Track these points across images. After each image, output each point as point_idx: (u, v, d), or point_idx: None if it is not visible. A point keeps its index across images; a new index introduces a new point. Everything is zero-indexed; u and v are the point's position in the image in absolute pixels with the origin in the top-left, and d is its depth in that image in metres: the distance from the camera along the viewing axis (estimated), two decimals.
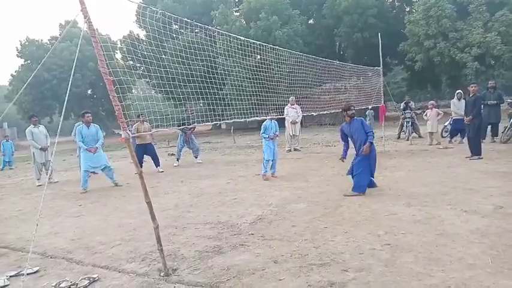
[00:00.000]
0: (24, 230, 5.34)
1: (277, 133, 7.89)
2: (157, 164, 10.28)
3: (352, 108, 6.14)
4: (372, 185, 6.09)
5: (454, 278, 2.93)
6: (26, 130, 9.66)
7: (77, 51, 3.96)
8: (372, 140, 5.86)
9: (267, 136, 7.76)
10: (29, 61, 39.16)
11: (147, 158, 10.26)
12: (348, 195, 5.78)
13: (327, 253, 3.62)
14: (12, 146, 16.32)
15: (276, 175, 7.96)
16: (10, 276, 3.65)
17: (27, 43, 39.60)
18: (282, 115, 11.47)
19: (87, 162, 8.12)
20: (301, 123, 13.51)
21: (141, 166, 10.13)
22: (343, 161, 6.33)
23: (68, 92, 3.08)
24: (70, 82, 3.61)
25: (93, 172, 8.97)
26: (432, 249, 3.51)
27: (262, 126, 7.93)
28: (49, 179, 9.30)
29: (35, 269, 3.77)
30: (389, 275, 3.06)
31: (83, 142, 8.11)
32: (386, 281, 2.97)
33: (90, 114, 8.39)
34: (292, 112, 11.99)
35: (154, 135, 11.06)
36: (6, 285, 3.49)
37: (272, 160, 7.88)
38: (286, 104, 11.74)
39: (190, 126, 10.26)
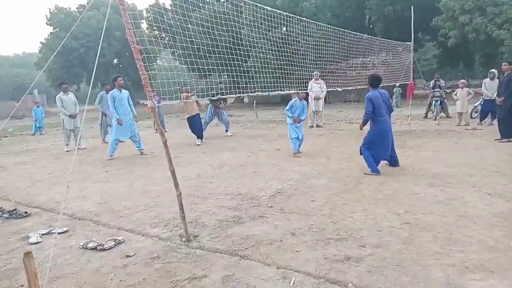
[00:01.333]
0: (55, 192, 5.63)
1: (303, 117, 7.60)
2: (200, 136, 10.18)
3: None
4: (393, 163, 6.10)
5: (472, 259, 2.91)
6: (56, 97, 9.95)
7: (105, 20, 4.01)
8: (362, 122, 5.94)
9: (291, 116, 7.49)
10: (57, 29, 39.81)
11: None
12: (367, 174, 5.73)
13: (345, 228, 3.65)
14: (43, 112, 16.95)
15: (301, 152, 7.77)
16: (42, 234, 3.89)
17: (56, 11, 40.16)
18: (306, 90, 11.31)
19: (118, 130, 8.27)
20: (325, 99, 13.30)
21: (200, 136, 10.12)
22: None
23: (96, 61, 3.14)
24: (99, 51, 3.67)
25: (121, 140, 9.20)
26: (452, 230, 3.48)
27: (289, 104, 7.63)
28: (78, 145, 9.65)
29: (65, 229, 4.00)
30: (407, 253, 3.07)
31: (115, 108, 8.15)
32: (404, 258, 2.98)
33: (121, 78, 8.57)
34: (316, 87, 11.78)
35: (177, 107, 11.07)
36: (39, 242, 3.72)
37: (299, 139, 7.68)
38: (311, 79, 11.53)
39: (224, 96, 10.21)
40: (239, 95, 6.17)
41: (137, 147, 8.72)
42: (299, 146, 7.75)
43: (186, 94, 9.38)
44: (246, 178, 5.96)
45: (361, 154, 5.92)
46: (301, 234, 3.56)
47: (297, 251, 3.21)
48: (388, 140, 5.81)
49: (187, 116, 9.96)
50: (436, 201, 4.32)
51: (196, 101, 9.92)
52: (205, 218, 4.15)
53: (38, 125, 16.43)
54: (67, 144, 10.09)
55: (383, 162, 6.09)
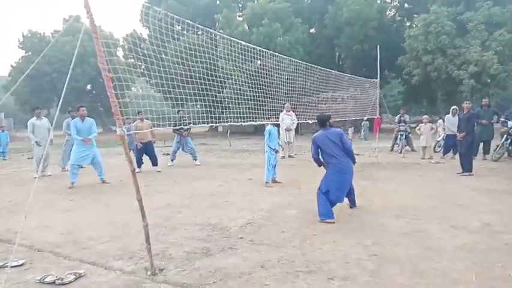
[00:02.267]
0: (14, 221, 5.31)
1: (277, 147, 7.91)
2: (154, 163, 10.24)
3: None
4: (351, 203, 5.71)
5: None
6: (28, 122, 9.69)
7: (77, 45, 3.99)
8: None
9: (273, 148, 7.69)
10: (30, 53, 38.98)
11: (145, 157, 10.24)
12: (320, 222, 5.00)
13: (314, 261, 3.65)
14: (7, 137, 16.24)
15: (280, 182, 7.87)
16: None
17: (29, 35, 39.45)
18: (278, 121, 11.52)
19: (77, 155, 8.05)
20: (296, 131, 13.58)
21: (141, 165, 10.12)
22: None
23: (65, 85, 3.10)
24: (69, 75, 3.63)
25: (80, 166, 8.83)
26: (418, 262, 3.55)
27: (266, 131, 7.78)
28: (42, 171, 9.29)
29: (21, 261, 3.76)
30: (374, 286, 3.09)
31: (77, 135, 8.07)
32: None
33: (85, 108, 8.37)
34: (288, 119, 12.06)
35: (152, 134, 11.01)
36: None
37: (275, 165, 7.81)
38: (282, 111, 11.79)
39: (186, 127, 10.26)
40: (212, 124, 6.19)
41: (98, 174, 8.49)
42: (274, 172, 7.84)
43: (136, 122, 9.58)
44: (216, 208, 5.88)
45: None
46: (270, 267, 3.52)
47: (266, 285, 3.16)
48: (343, 181, 5.17)
49: (139, 141, 9.94)
50: (403, 233, 4.42)
51: (151, 131, 9.91)
52: (172, 250, 4.04)
53: (1, 150, 15.71)
54: (37, 171, 9.65)
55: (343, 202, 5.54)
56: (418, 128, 11.89)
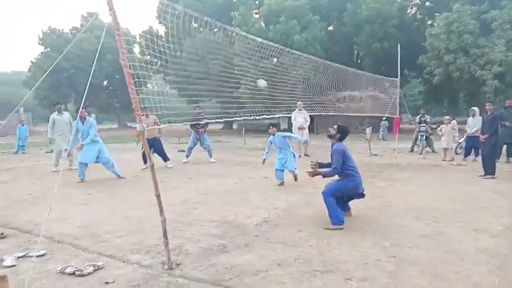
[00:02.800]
0: (33, 213, 5.44)
1: (304, 140, 7.50)
2: (165, 159, 10.28)
3: (333, 127, 5.19)
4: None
5: None
6: (50, 116, 9.96)
7: (100, 43, 4.04)
8: (326, 175, 4.95)
9: (267, 152, 7.72)
10: (49, 49, 39.85)
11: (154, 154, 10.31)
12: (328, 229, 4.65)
13: (331, 261, 3.60)
14: (27, 131, 16.62)
15: (296, 175, 7.64)
16: (18, 257, 3.72)
17: (48, 32, 40.34)
18: (289, 114, 11.40)
19: (81, 153, 8.15)
20: (312, 130, 13.47)
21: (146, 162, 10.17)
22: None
23: (88, 82, 3.14)
24: (92, 73, 3.68)
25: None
26: (438, 265, 3.46)
27: (268, 141, 7.76)
28: (70, 165, 9.56)
29: (42, 252, 3.83)
30: (393, 287, 3.02)
31: (77, 134, 8.15)
32: None
33: (84, 110, 8.43)
34: (300, 118, 11.97)
35: (166, 131, 11.14)
36: (14, 265, 3.56)
37: (290, 169, 7.57)
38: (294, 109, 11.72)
39: (202, 122, 10.28)
40: (227, 119, 6.19)
41: (112, 171, 8.54)
42: (295, 169, 7.64)
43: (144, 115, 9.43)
44: (232, 205, 5.88)
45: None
46: (287, 265, 3.49)
47: (282, 283, 3.13)
48: (356, 195, 5.07)
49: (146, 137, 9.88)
50: (422, 235, 4.31)
51: (158, 127, 9.92)
52: (189, 246, 4.05)
53: (21, 144, 16.04)
54: (56, 165, 9.92)
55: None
56: (439, 129, 11.64)
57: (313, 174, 5.06)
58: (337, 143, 5.03)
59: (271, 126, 7.61)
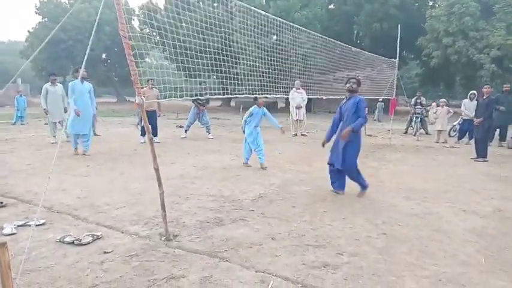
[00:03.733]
0: (33, 183, 5.50)
1: (279, 127, 7.18)
2: (154, 133, 10.07)
3: (352, 81, 5.17)
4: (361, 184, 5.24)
5: (445, 272, 3.01)
6: (43, 87, 9.74)
7: (97, 15, 3.97)
8: (357, 127, 4.97)
9: (247, 124, 7.02)
10: (46, 19, 38.91)
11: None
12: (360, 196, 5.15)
13: (324, 236, 3.71)
14: (25, 102, 16.51)
15: (266, 165, 7.03)
16: (18, 226, 3.79)
17: (45, 1, 39.27)
18: (287, 95, 11.41)
19: (75, 123, 7.86)
20: (309, 109, 13.50)
21: (145, 134, 10.14)
22: (323, 146, 5.52)
23: (86, 54, 3.11)
24: (89, 45, 3.64)
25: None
26: (427, 243, 3.59)
27: (249, 111, 7.10)
28: (67, 137, 9.53)
29: (42, 221, 3.91)
30: (383, 263, 3.15)
31: (72, 98, 7.75)
32: (379, 268, 3.06)
33: (85, 69, 8.11)
34: (298, 96, 11.97)
35: (163, 106, 11.11)
36: (13, 233, 3.63)
37: (257, 149, 7.01)
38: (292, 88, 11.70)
39: (203, 97, 10.26)
40: (227, 96, 6.19)
41: (84, 144, 8.23)
42: (259, 157, 7.05)
43: (145, 89, 9.24)
44: (228, 181, 5.97)
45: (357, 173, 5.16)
46: (281, 239, 3.60)
47: (276, 256, 3.25)
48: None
49: (147, 110, 9.80)
50: (412, 214, 4.44)
51: (159, 103, 9.87)
52: (186, 218, 4.15)
53: (19, 115, 16.00)
54: (54, 136, 9.91)
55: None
56: (434, 111, 11.71)
57: (344, 136, 5.00)
58: (355, 96, 5.12)
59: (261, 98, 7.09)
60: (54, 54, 37.28)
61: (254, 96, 6.96)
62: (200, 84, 10.52)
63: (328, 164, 5.42)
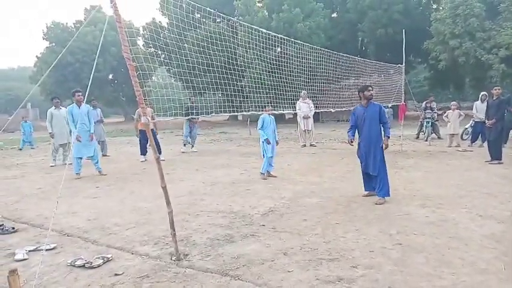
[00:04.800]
0: (43, 207, 5.53)
1: (277, 138, 7.53)
2: (159, 151, 10.25)
3: (370, 89, 5.45)
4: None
5: (464, 281, 2.90)
6: (47, 111, 9.94)
7: (101, 36, 4.04)
8: (389, 133, 5.51)
9: (266, 138, 7.20)
10: (53, 44, 39.89)
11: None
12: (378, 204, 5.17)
13: (337, 249, 3.63)
14: (31, 127, 16.64)
15: (275, 174, 7.34)
16: (29, 251, 3.80)
17: (52, 26, 40.33)
18: (295, 110, 11.50)
19: (79, 149, 7.92)
20: (317, 119, 13.47)
21: (146, 152, 10.18)
22: (351, 144, 5.68)
23: (91, 76, 3.16)
24: (94, 66, 3.69)
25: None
26: (444, 252, 3.47)
27: (259, 120, 7.28)
28: (64, 160, 9.64)
29: (53, 245, 3.91)
30: (399, 274, 3.05)
31: (73, 123, 7.82)
32: (396, 280, 2.96)
33: (80, 93, 8.09)
34: (305, 107, 11.95)
35: (171, 123, 11.30)
36: (25, 259, 3.64)
37: (271, 157, 7.29)
38: (299, 99, 11.74)
39: (197, 116, 10.56)
40: (233, 114, 6.21)
41: (95, 165, 8.37)
42: (271, 167, 7.35)
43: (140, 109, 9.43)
44: (238, 196, 5.92)
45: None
46: (293, 254, 3.53)
47: (289, 271, 3.17)
48: None
49: (140, 128, 9.93)
50: (428, 222, 4.33)
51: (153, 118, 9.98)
52: (196, 236, 4.10)
53: (25, 140, 16.13)
54: (54, 159, 10.09)
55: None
56: (445, 115, 11.55)
57: (387, 145, 5.44)
58: (373, 103, 5.44)
59: (268, 106, 7.39)
60: (62, 77, 38.07)
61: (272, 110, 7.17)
62: (189, 99, 10.80)
63: (363, 172, 5.60)
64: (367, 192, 5.59)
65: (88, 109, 8.32)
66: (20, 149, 15.45)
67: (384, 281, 2.95)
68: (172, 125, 25.74)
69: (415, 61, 33.28)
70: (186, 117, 10.54)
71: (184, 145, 12.03)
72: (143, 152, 10.25)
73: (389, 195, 5.32)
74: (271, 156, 7.33)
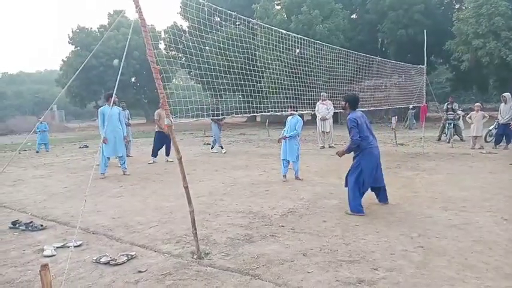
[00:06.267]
0: (70, 206, 5.73)
1: (288, 135, 7.10)
2: (168, 153, 10.35)
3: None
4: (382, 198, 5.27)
5: (489, 286, 2.85)
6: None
7: (127, 41, 4.17)
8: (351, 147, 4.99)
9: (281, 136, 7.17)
10: (78, 48, 41.11)
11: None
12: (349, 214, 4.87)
13: (357, 251, 3.62)
14: (46, 127, 15.60)
15: (301, 177, 7.23)
16: (57, 247, 3.95)
17: (78, 31, 41.56)
18: (313, 111, 11.44)
19: (106, 148, 8.03)
20: (335, 120, 13.38)
21: (156, 154, 10.29)
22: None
23: (118, 79, 3.27)
24: (120, 70, 3.81)
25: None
26: (467, 256, 3.42)
27: (287, 121, 7.24)
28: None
29: (79, 242, 4.05)
30: (421, 277, 3.03)
31: (103, 124, 7.91)
32: (417, 282, 2.94)
33: (115, 96, 7.64)
34: (323, 108, 11.90)
35: (192, 125, 11.46)
36: (53, 255, 3.78)
37: (292, 161, 7.15)
38: (318, 100, 11.69)
39: (221, 117, 10.63)
40: (252, 114, 6.26)
41: (121, 165, 8.49)
42: (296, 171, 7.23)
43: (159, 111, 9.67)
44: (257, 196, 5.97)
45: (346, 186, 5.09)
46: (312, 255, 3.54)
47: (309, 272, 3.19)
48: (377, 167, 5.04)
49: (156, 130, 10.16)
50: (450, 225, 4.26)
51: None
52: (216, 236, 4.17)
53: (40, 142, 15.09)
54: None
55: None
56: (469, 116, 11.30)
57: (339, 154, 5.30)
58: (351, 113, 5.04)
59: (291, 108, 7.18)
60: (87, 80, 39.14)
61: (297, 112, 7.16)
62: (214, 102, 10.89)
63: (371, 189, 5.19)
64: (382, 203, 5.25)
65: (119, 110, 8.49)
66: (37, 152, 14.68)
67: (406, 283, 2.93)
68: (191, 126, 26.07)
69: (437, 62, 32.64)
70: (211, 118, 10.64)
71: (221, 147, 12.06)
72: (155, 154, 10.28)
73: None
74: (293, 161, 7.15)
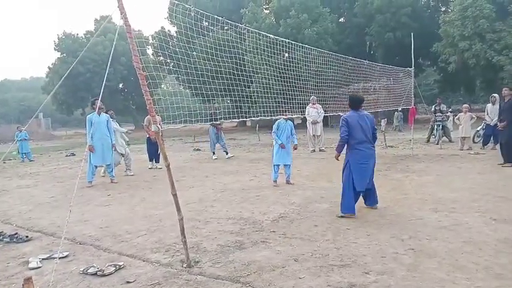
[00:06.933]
0: (56, 216, 5.60)
1: (295, 142, 7.20)
2: (157, 159, 10.33)
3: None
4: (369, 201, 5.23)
5: (479, 286, 2.85)
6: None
7: (109, 45, 4.11)
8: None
9: (280, 142, 6.96)
10: (64, 54, 40.70)
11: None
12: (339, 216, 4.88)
13: (348, 254, 3.60)
14: (26, 136, 15.18)
15: (292, 181, 7.21)
16: (43, 259, 3.84)
17: (63, 37, 41.18)
18: (303, 114, 11.47)
19: (96, 158, 7.93)
20: (326, 123, 13.42)
21: (153, 159, 10.36)
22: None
23: (103, 85, 3.21)
24: (106, 76, 3.75)
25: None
26: (457, 257, 3.42)
27: (274, 125, 7.12)
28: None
29: (65, 253, 3.95)
30: (412, 280, 3.01)
31: (90, 132, 7.79)
32: (408, 285, 2.93)
33: (101, 103, 7.80)
34: (313, 112, 11.93)
35: (181, 131, 11.36)
36: (39, 267, 3.68)
37: (285, 165, 7.13)
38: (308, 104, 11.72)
39: (217, 122, 10.52)
40: (242, 119, 6.23)
41: (109, 174, 8.40)
42: (288, 175, 7.20)
43: (148, 117, 9.43)
44: (248, 202, 5.92)
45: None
46: (304, 260, 3.51)
47: (300, 278, 3.16)
48: (367, 169, 4.95)
49: (148, 136, 10.21)
50: (440, 227, 4.27)
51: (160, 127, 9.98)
52: (206, 243, 4.11)
53: (22, 151, 14.75)
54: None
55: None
56: (457, 117, 11.44)
57: (335, 157, 5.39)
58: (347, 114, 5.12)
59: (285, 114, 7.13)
60: (73, 87, 38.78)
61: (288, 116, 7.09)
62: (209, 108, 10.79)
63: (361, 192, 5.06)
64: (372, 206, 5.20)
65: (107, 118, 8.33)
66: (22, 161, 14.38)
67: (397, 286, 2.92)
68: (180, 132, 25.92)
69: (425, 64, 33.11)
70: (210, 123, 10.61)
71: (213, 153, 11.75)
72: (151, 158, 10.40)
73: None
74: (288, 165, 7.15)
